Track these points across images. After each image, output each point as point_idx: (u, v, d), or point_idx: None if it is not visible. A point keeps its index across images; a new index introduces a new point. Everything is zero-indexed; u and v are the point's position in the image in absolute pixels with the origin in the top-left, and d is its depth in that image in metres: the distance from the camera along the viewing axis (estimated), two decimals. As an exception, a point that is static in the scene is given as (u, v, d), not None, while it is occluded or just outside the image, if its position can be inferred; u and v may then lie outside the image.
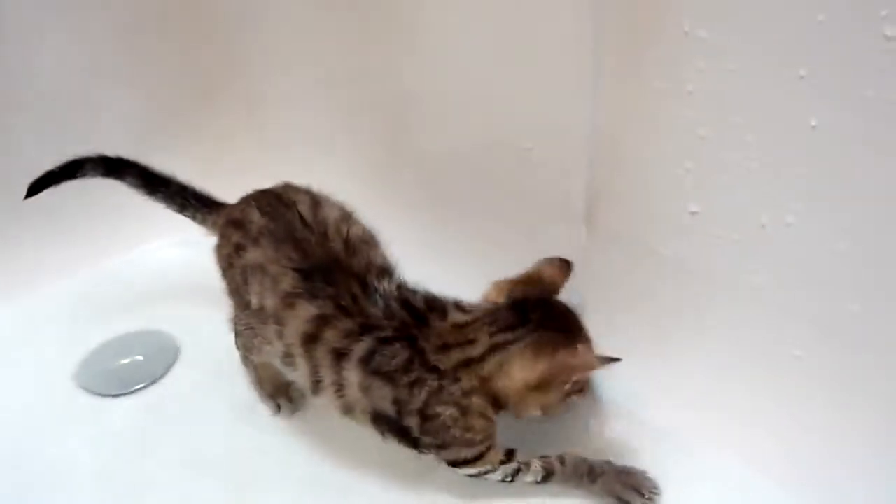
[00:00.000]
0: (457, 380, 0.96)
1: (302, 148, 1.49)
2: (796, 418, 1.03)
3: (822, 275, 0.94)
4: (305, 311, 0.99)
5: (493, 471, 1.03)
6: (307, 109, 1.48)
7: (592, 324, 1.00)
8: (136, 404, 1.28)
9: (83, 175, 1.24)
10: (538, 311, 0.98)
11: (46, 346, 1.39)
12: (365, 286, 1.00)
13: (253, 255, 1.05)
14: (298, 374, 1.04)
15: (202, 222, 1.21)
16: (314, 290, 0.99)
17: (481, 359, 0.96)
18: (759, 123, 0.91)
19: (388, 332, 0.97)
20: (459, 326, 0.98)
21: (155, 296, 1.48)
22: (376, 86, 1.33)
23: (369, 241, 1.07)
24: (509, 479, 1.04)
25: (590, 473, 1.05)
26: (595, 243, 1.14)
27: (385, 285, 1.01)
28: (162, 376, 1.32)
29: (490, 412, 0.99)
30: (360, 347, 0.97)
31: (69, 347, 1.38)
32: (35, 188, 1.22)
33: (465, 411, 0.97)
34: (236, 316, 1.14)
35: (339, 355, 0.98)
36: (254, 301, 1.05)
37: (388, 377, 0.97)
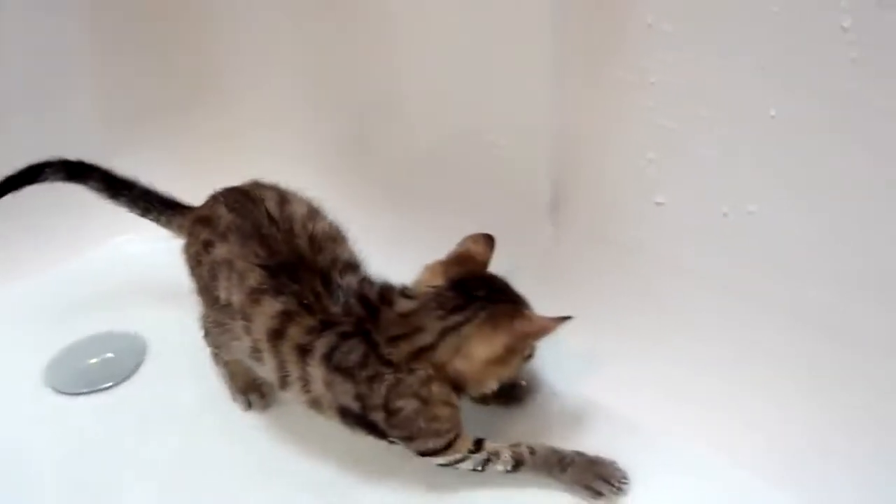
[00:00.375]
0: (411, 371, 0.96)
1: (273, 146, 1.49)
2: (765, 405, 1.04)
3: (784, 262, 0.95)
4: (271, 307, 0.99)
5: (464, 460, 1.04)
6: (279, 108, 1.48)
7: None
8: (105, 403, 1.27)
9: (43, 180, 1.23)
10: (482, 288, 0.98)
11: (14, 346, 1.37)
12: (328, 283, 1.00)
13: (220, 250, 1.05)
14: (266, 370, 1.04)
15: (167, 225, 1.21)
16: (279, 286, 0.99)
17: (433, 346, 0.96)
18: (721, 114, 0.92)
19: (346, 328, 0.98)
20: (405, 316, 0.98)
21: (123, 293, 1.47)
22: (347, 85, 1.33)
23: (335, 236, 1.07)
24: (480, 468, 1.05)
25: (560, 463, 1.05)
26: (562, 236, 1.15)
27: (347, 281, 1.01)
28: (131, 374, 1.31)
29: (453, 398, 0.99)
30: (322, 344, 0.97)
31: (37, 347, 1.36)
32: (-6, 194, 1.21)
33: (426, 401, 0.97)
34: (205, 313, 1.13)
35: (304, 351, 0.98)
36: (222, 296, 1.05)
37: (348, 373, 0.97)
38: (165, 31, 1.49)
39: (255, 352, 1.02)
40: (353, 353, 0.97)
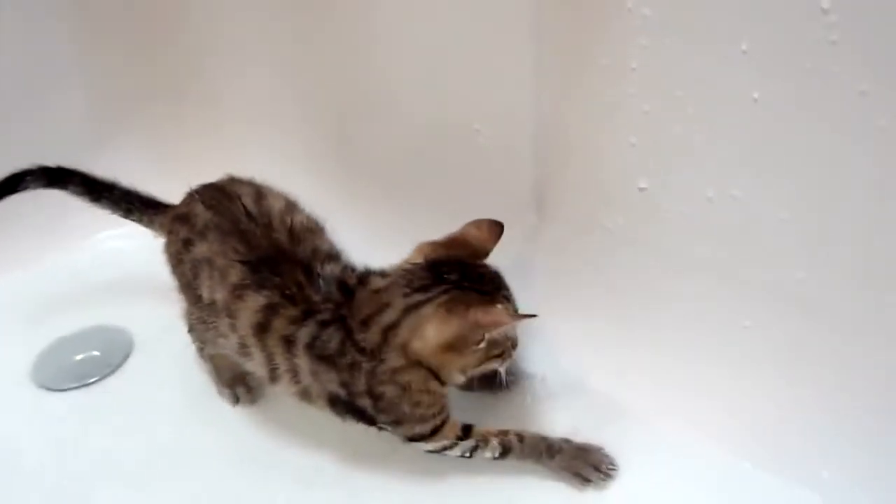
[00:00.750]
0: (382, 360, 0.95)
1: (257, 140, 1.48)
2: (750, 388, 1.05)
3: (768, 245, 0.95)
4: (254, 301, 0.99)
5: (452, 447, 1.04)
6: (262, 102, 1.47)
7: (546, 304, 1.01)
8: (92, 398, 1.27)
9: (25, 188, 1.23)
10: (455, 271, 0.96)
11: (0, 343, 1.37)
12: (309, 273, 1.00)
13: (200, 249, 1.05)
14: (255, 364, 1.04)
15: (149, 225, 1.21)
16: (261, 280, 0.99)
17: (397, 324, 0.94)
18: (703, 98, 0.91)
19: (325, 316, 0.98)
20: (376, 292, 0.98)
21: (109, 288, 1.47)
22: (330, 78, 1.32)
23: (314, 228, 1.07)
24: (468, 455, 1.05)
25: (548, 450, 1.06)
26: (546, 223, 1.15)
27: (329, 270, 1.01)
28: (118, 369, 1.31)
29: (432, 385, 0.98)
30: (305, 333, 0.98)
31: (24, 343, 1.36)
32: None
33: (405, 388, 0.96)
34: (189, 310, 1.13)
35: (289, 342, 0.98)
36: (205, 295, 1.05)
37: (330, 361, 0.97)
38: (150, 26, 1.48)
39: (243, 347, 1.02)
40: (332, 341, 0.97)
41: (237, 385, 1.22)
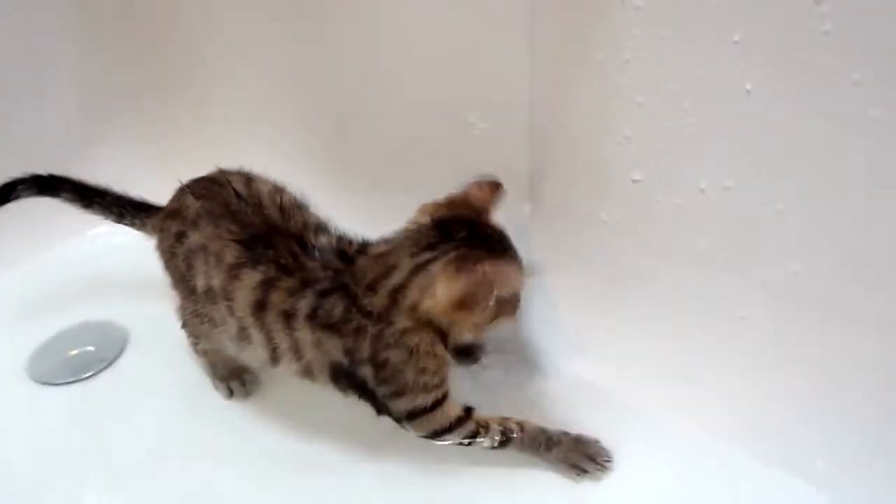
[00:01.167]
0: (391, 323, 0.95)
1: (251, 134, 1.47)
2: (745, 379, 1.05)
3: (761, 236, 0.95)
4: (251, 278, 0.99)
5: (451, 430, 1.03)
6: (256, 96, 1.46)
7: (540, 295, 1.01)
8: (88, 392, 1.27)
9: (17, 197, 1.23)
10: (464, 230, 0.95)
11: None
12: (303, 244, 1.00)
13: (193, 238, 1.05)
14: (254, 349, 1.03)
15: (141, 228, 1.21)
16: (256, 256, 1.00)
17: (405, 285, 0.94)
18: (696, 89, 0.91)
19: (325, 284, 0.98)
20: (380, 256, 0.98)
21: (104, 283, 1.47)
22: (323, 71, 1.31)
23: (302, 205, 1.08)
24: (467, 441, 1.04)
25: (546, 442, 1.06)
26: (540, 215, 1.15)
27: (323, 239, 1.02)
28: (113, 363, 1.31)
29: (438, 349, 0.98)
30: (305, 304, 0.97)
31: (19, 338, 1.36)
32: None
33: (412, 351, 0.96)
34: (182, 306, 1.13)
35: (288, 316, 0.98)
36: (200, 284, 1.04)
37: (334, 328, 0.97)
38: (142, 23, 1.47)
39: (242, 330, 1.02)
40: (335, 308, 0.96)
41: (232, 379, 1.23)
